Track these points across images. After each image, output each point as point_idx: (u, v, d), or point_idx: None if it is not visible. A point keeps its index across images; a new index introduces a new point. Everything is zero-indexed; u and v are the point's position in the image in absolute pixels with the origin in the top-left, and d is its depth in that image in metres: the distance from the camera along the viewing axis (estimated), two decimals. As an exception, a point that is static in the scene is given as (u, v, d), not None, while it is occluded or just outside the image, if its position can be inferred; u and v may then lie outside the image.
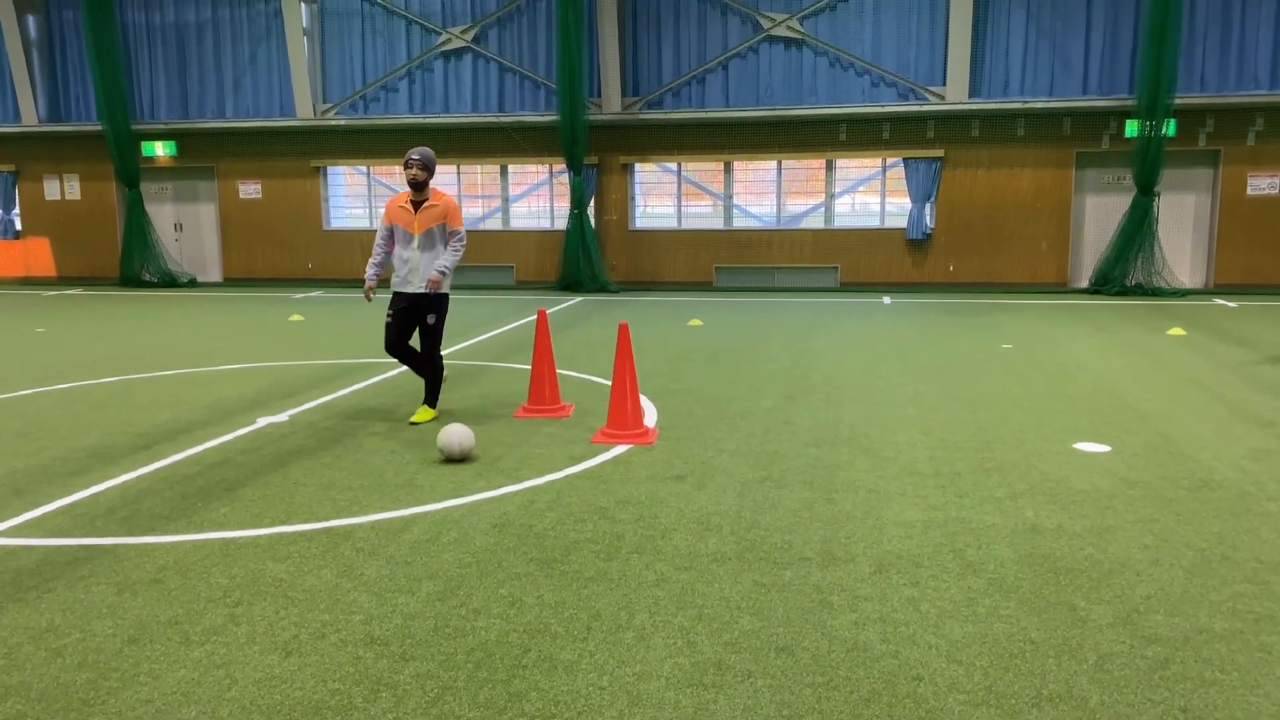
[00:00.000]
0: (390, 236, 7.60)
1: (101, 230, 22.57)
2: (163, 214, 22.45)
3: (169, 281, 21.61)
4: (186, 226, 22.59)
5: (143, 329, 13.94)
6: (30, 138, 22.27)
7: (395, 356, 7.66)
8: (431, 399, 7.77)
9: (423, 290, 7.46)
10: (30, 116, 21.96)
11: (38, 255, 22.99)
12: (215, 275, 22.60)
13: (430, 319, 7.52)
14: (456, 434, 6.47)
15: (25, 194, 22.75)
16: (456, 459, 6.47)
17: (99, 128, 21.05)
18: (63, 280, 22.80)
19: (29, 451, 6.89)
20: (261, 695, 3.42)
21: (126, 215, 21.71)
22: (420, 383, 8.71)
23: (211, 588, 4.38)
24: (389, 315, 7.57)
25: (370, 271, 7.66)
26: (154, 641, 3.85)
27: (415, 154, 7.41)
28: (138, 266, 21.48)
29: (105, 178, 22.20)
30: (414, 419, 7.66)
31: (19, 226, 22.95)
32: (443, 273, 7.42)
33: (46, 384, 9.52)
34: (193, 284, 21.92)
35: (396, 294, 7.61)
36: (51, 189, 22.62)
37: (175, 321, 14.86)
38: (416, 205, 7.49)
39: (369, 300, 7.30)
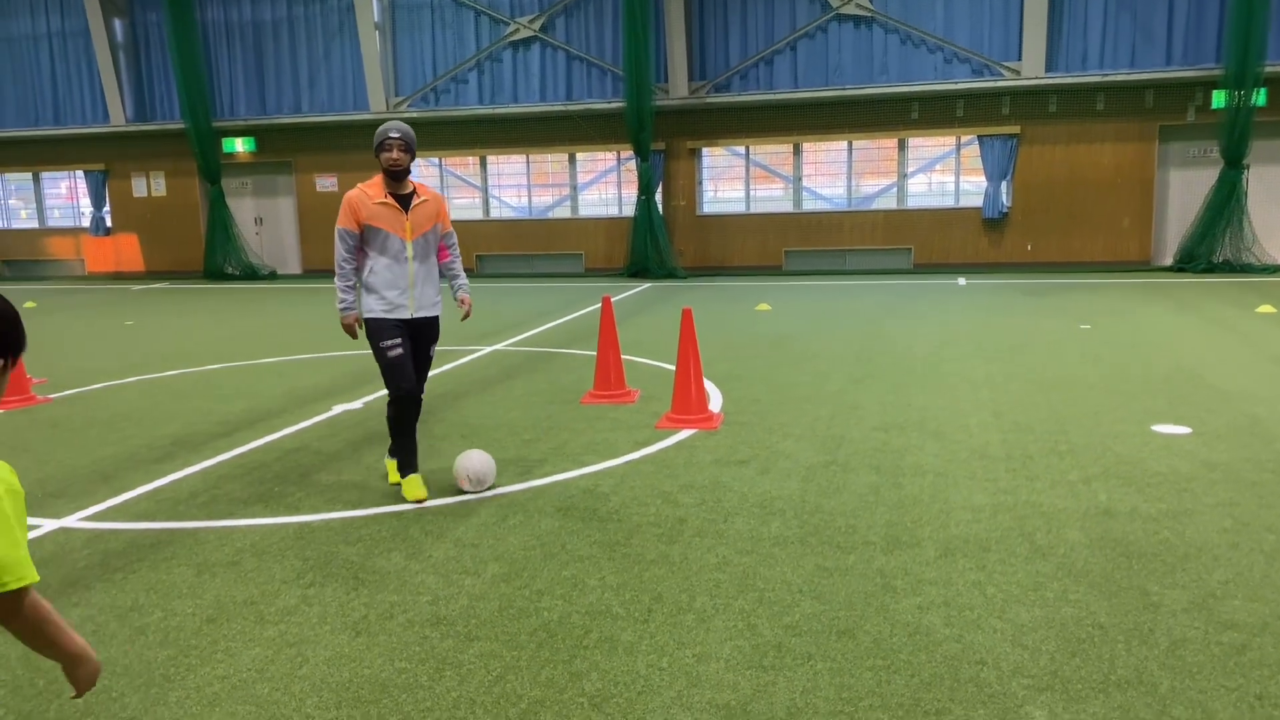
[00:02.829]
0: (359, 245, 5.40)
1: (186, 225, 23.31)
2: (243, 208, 23.10)
3: (250, 274, 22.27)
4: (266, 220, 23.20)
5: (224, 321, 14.37)
6: (119, 137, 23.09)
7: (414, 408, 5.57)
8: (412, 458, 5.68)
9: (432, 315, 5.57)
10: (118, 117, 22.76)
11: (127, 250, 23.86)
12: (294, 268, 23.17)
13: (433, 351, 5.72)
14: (480, 462, 5.66)
15: (115, 192, 23.61)
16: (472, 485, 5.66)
17: (182, 126, 21.75)
18: (150, 274, 23.63)
19: (116, 439, 7.17)
20: (331, 673, 3.53)
21: (209, 210, 22.41)
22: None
23: (286, 569, 4.52)
24: (395, 347, 5.39)
25: (350, 297, 5.42)
26: (231, 621, 3.99)
27: (395, 131, 5.26)
28: (220, 260, 22.19)
29: (189, 174, 22.91)
30: (412, 495, 5.52)
31: (109, 223, 23.84)
32: (468, 293, 5.73)
33: (133, 374, 9.89)
34: (273, 276, 22.52)
35: (395, 323, 5.41)
36: (139, 186, 23.44)
37: (255, 313, 15.29)
38: (403, 201, 5.39)
39: (356, 337, 5.51)
